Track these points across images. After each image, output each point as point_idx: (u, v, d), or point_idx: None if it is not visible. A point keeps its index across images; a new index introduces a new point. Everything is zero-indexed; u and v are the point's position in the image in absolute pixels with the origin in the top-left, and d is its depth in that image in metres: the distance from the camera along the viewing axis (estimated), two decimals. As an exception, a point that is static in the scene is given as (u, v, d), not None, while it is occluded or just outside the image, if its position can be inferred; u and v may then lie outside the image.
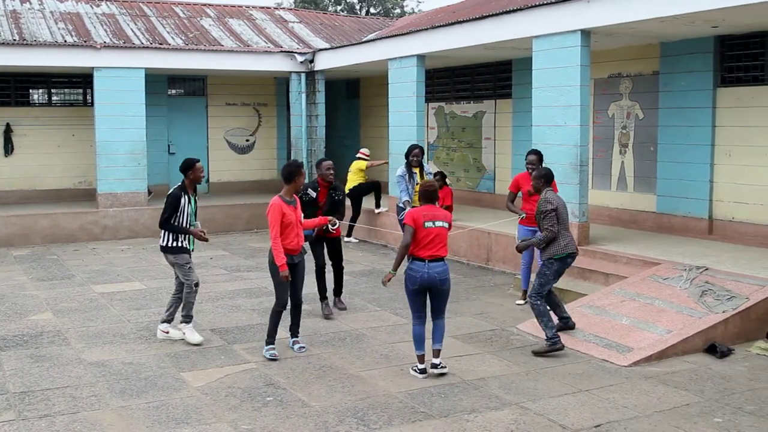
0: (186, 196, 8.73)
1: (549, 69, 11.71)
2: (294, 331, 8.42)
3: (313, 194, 9.80)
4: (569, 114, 11.40)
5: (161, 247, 8.78)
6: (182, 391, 7.11)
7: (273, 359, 7.93)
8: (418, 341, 7.52)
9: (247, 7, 21.99)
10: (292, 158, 19.14)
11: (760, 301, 8.62)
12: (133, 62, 16.60)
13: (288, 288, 8.07)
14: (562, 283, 9.95)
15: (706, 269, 9.35)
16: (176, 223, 8.66)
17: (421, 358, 7.54)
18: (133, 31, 18.13)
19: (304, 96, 18.70)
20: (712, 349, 8.16)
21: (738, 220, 11.78)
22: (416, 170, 11.33)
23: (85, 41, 16.52)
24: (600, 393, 7.06)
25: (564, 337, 8.65)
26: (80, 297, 10.93)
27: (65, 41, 16.37)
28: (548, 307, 8.48)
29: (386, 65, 15.70)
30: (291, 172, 8.13)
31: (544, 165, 11.78)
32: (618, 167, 13.75)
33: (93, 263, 13.69)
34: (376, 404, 6.77)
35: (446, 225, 7.45)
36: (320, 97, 18.62)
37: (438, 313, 7.61)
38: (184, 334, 8.66)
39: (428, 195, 7.52)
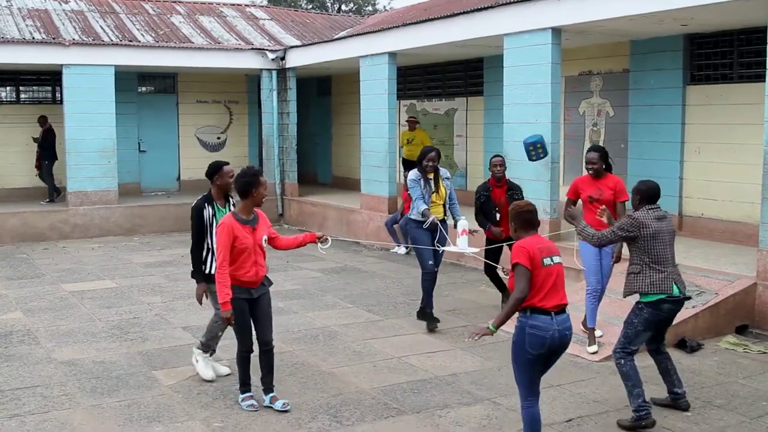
0: (211, 208, 7.18)
1: (520, 66, 11.77)
2: (267, 383, 6.62)
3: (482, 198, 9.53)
4: (540, 111, 11.47)
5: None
6: (154, 390, 7.07)
7: (252, 410, 6.47)
8: (535, 427, 5.52)
9: (218, 4, 21.88)
10: (264, 157, 19.09)
11: (729, 297, 8.72)
12: (103, 59, 16.46)
13: (248, 328, 6.46)
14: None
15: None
16: (203, 244, 7.14)
17: None
18: (102, 28, 17.99)
19: (275, 93, 18.65)
20: (682, 344, 8.24)
21: (707, 216, 11.90)
22: (431, 176, 9.24)
23: (53, 38, 16.37)
24: (571, 388, 7.11)
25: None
26: (50, 296, 10.83)
27: (33, 38, 16.23)
28: (637, 372, 6.38)
29: (358, 63, 15.69)
30: (247, 183, 6.37)
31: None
32: (589, 164, 13.81)
33: (63, 262, 13.58)
34: (349, 401, 6.77)
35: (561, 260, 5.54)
36: (292, 95, 18.58)
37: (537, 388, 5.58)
38: (197, 361, 7.37)
39: (530, 220, 5.51)
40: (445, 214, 9.25)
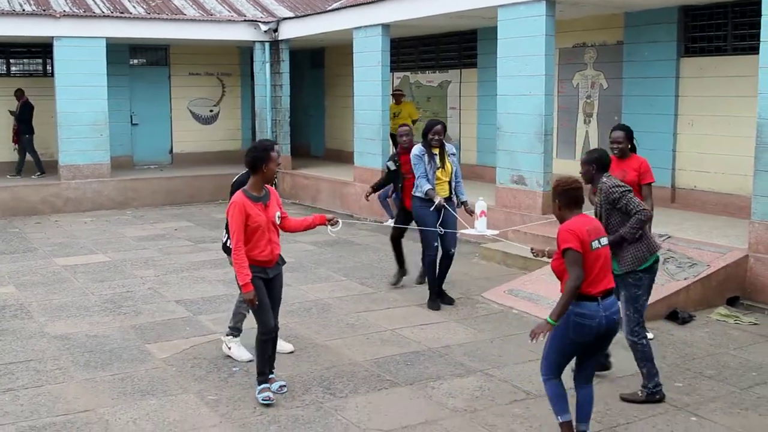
0: None
1: (514, 38, 11.71)
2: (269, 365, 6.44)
3: (392, 166, 9.33)
4: (534, 83, 11.43)
5: (222, 245, 7.20)
6: (147, 363, 7.09)
7: (267, 404, 6.11)
8: (562, 400, 5.21)
9: (210, -25, 21.69)
10: (257, 129, 19.03)
11: (721, 268, 8.75)
12: (94, 31, 16.32)
13: (268, 308, 6.18)
14: (527, 250, 9.98)
15: (669, 237, 9.44)
16: None
17: (568, 427, 5.23)
18: (93, -1, 17.85)
19: (268, 66, 18.54)
20: (673, 316, 8.27)
21: (700, 188, 11.91)
22: (436, 151, 8.79)
23: (44, 10, 16.22)
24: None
25: (527, 304, 8.73)
26: (43, 270, 10.82)
27: (23, 10, 16.07)
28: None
29: (351, 34, 15.60)
30: (256, 158, 6.08)
31: (497, 134, 11.81)
32: (582, 136, 13.82)
33: (55, 236, 13.55)
34: (342, 373, 6.80)
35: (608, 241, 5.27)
36: (285, 67, 18.48)
37: (589, 375, 5.41)
38: (229, 348, 7.23)
39: (577, 198, 5.12)
40: (450, 192, 8.88)
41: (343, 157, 19.42)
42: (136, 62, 19.78)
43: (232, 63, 20.74)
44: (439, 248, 8.87)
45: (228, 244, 6.92)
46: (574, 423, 5.23)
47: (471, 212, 8.68)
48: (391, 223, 14.05)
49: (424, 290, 9.44)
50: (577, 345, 5.07)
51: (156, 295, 9.44)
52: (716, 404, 6.13)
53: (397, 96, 16.06)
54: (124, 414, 5.96)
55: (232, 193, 6.56)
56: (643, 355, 6.12)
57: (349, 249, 12.07)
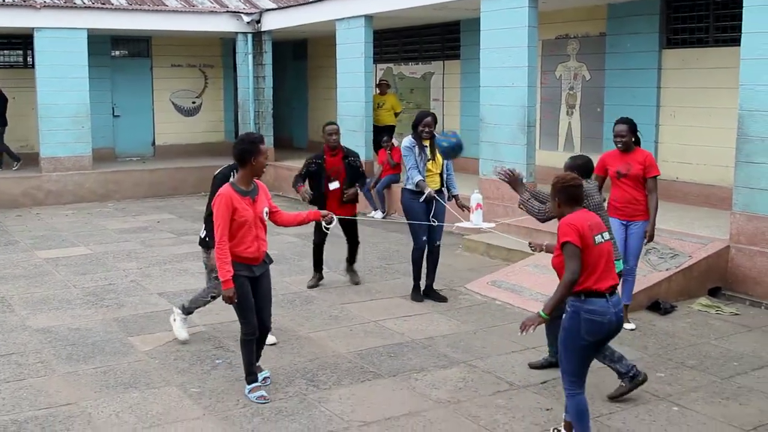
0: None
1: (497, 30, 11.72)
2: (258, 367, 6.38)
3: (312, 168, 9.04)
4: (517, 75, 11.44)
5: (199, 239, 7.27)
6: (130, 356, 7.06)
7: (262, 402, 6.00)
8: (586, 418, 5.07)
9: (192, -34, 21.60)
10: (239, 121, 18.96)
11: (702, 259, 8.80)
12: (75, 22, 16.21)
13: (251, 308, 6.04)
14: (510, 242, 10.01)
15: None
16: None
17: None
18: (74, -10, 17.72)
19: (251, 57, 18.49)
20: (655, 306, 8.32)
21: (682, 179, 11.96)
22: (427, 143, 8.58)
23: (24, 0, 16.09)
24: (546, 350, 7.15)
25: (510, 296, 8.75)
26: (24, 263, 10.75)
27: (3, 0, 15.94)
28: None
29: (334, 26, 15.57)
30: (244, 150, 5.90)
31: (480, 125, 11.81)
32: (565, 128, 13.85)
33: (37, 229, 13.47)
34: (326, 365, 6.80)
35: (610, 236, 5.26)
36: (267, 59, 18.42)
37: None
38: (174, 320, 7.38)
39: (577, 195, 5.06)
40: (441, 185, 8.70)
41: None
42: (118, 54, 19.67)
43: (215, 54, 20.67)
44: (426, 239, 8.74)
45: (205, 238, 7.04)
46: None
47: (463, 207, 8.57)
48: (374, 215, 14.08)
49: (407, 282, 9.45)
50: (590, 345, 4.95)
51: (138, 288, 9.41)
52: (698, 394, 6.17)
53: (383, 86, 16.03)
54: (107, 407, 5.94)
55: (213, 186, 6.65)
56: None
57: (333, 241, 12.05)
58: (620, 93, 12.67)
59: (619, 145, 7.51)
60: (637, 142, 7.53)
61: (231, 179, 6.31)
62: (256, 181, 6.08)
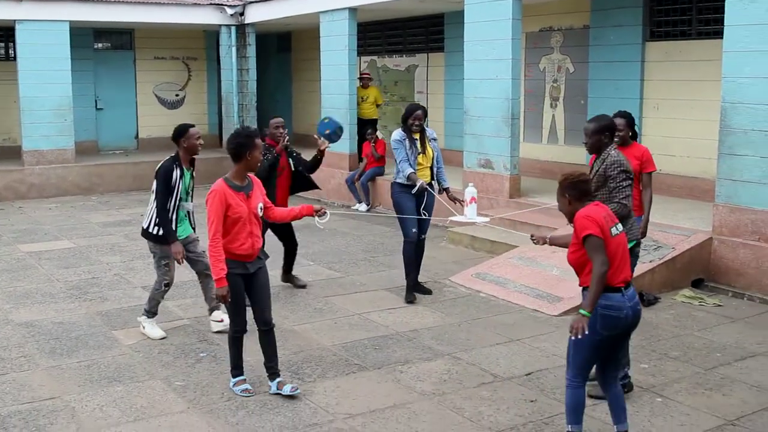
0: (179, 170, 7.14)
1: (481, 22, 11.73)
2: (271, 367, 6.07)
3: (266, 163, 8.20)
4: (501, 67, 11.46)
5: (143, 230, 7.30)
6: (114, 350, 7.04)
7: (247, 395, 5.95)
8: (580, 411, 4.99)
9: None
10: (223, 114, 18.89)
11: (686, 251, 8.85)
12: (57, 14, 16.08)
13: (243, 306, 5.93)
14: (494, 234, 10.04)
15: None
16: (168, 203, 7.08)
17: None
18: (56, -18, 17.59)
19: (234, 50, 18.42)
20: (639, 298, 8.33)
21: (665, 172, 11.98)
22: (417, 136, 8.45)
23: (5, -7, 15.98)
24: (531, 342, 7.19)
25: (494, 288, 8.77)
26: (7, 257, 10.69)
27: (-16, -7, 15.83)
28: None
29: (318, 18, 15.53)
30: (240, 144, 5.76)
31: (464, 118, 11.84)
32: (549, 120, 13.88)
33: (19, 222, 13.39)
34: (310, 357, 6.80)
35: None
36: (251, 51, 18.37)
37: (615, 375, 5.15)
38: (143, 327, 7.40)
39: (588, 191, 4.93)
40: (432, 178, 8.54)
41: (310, 142, 19.29)
42: (101, 46, 19.54)
43: (198, 47, 20.57)
44: (416, 232, 8.53)
45: (149, 229, 7.12)
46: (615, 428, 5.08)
47: (455, 200, 8.44)
48: (359, 207, 14.08)
49: (391, 275, 9.48)
50: (605, 340, 4.83)
51: (122, 281, 9.38)
52: (681, 385, 6.20)
53: (365, 79, 15.99)
54: (91, 401, 5.92)
55: (158, 177, 7.05)
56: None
57: (316, 234, 12.04)
58: (604, 85, 12.71)
59: (616, 140, 7.10)
60: (634, 137, 7.37)
61: (174, 168, 6.97)
62: (250, 176, 5.95)
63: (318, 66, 15.93)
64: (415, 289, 8.64)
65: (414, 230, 8.45)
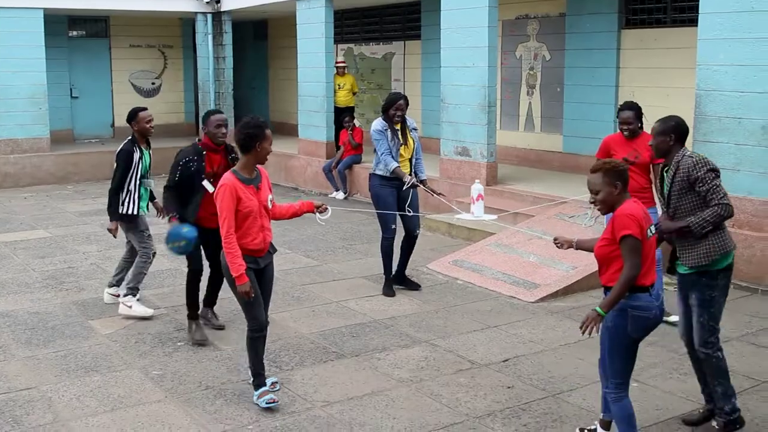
0: (138, 151, 7.42)
1: (457, 10, 11.73)
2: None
3: (190, 168, 6.73)
4: (477, 55, 11.47)
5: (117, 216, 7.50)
6: (91, 339, 7.01)
7: (271, 406, 5.56)
8: (631, 421, 4.70)
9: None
10: (200, 102, 18.78)
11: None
12: (31, 2, 15.92)
13: (260, 302, 5.64)
14: (471, 221, 10.03)
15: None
16: (125, 184, 7.33)
17: None
18: (29, -31, 17.40)
19: (210, 38, 18.32)
20: (615, 284, 8.40)
21: (641, 158, 12.07)
22: (398, 126, 8.15)
23: (-23, -20, 15.81)
24: (508, 329, 7.23)
25: (472, 275, 8.80)
26: (-19, 246, 10.62)
27: (-44, -20, 15.64)
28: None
29: (294, 6, 15.47)
30: (249, 135, 5.47)
31: (441, 106, 11.84)
32: (525, 108, 13.92)
33: (-6, 211, 13.30)
34: (288, 346, 6.81)
35: None
36: (227, 39, 18.28)
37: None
38: (130, 307, 7.51)
39: (628, 180, 4.66)
40: (410, 171, 8.27)
41: (287, 130, 19.29)
42: (75, 34, 19.38)
43: (174, 35, 20.45)
44: (397, 230, 8.39)
45: (123, 212, 7.46)
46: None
47: (433, 192, 8.34)
48: (336, 195, 14.07)
49: (369, 262, 9.49)
50: (634, 342, 4.61)
51: (99, 271, 9.33)
52: (657, 370, 6.27)
53: (341, 68, 15.93)
54: (68, 391, 5.90)
55: (118, 159, 7.36)
56: (718, 371, 5.14)
57: (294, 222, 12.00)
58: (580, 73, 12.76)
59: (626, 133, 7.15)
60: (641, 126, 7.20)
61: (134, 150, 7.27)
62: (259, 168, 5.67)
63: (295, 54, 15.87)
64: (403, 283, 8.48)
65: (393, 227, 8.26)
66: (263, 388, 5.67)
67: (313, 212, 6.12)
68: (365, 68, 17.61)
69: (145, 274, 7.71)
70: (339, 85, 15.46)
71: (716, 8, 8.57)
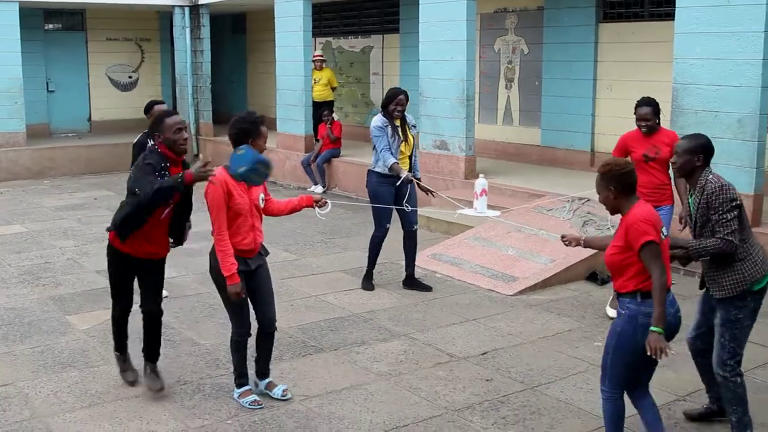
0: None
1: (436, 3, 11.73)
2: (263, 367, 5.76)
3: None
4: (456, 48, 11.48)
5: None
6: (68, 335, 6.97)
7: (255, 407, 5.51)
8: (620, 423, 4.61)
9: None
10: (177, 96, 18.68)
11: (639, 230, 8.94)
12: (5, -5, 15.80)
13: (246, 306, 5.49)
14: (447, 214, 10.03)
15: (588, 200, 9.61)
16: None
17: None
18: (3, -38, 17.23)
19: (188, 31, 18.21)
20: (593, 277, 8.46)
21: (618, 152, 12.12)
22: (398, 123, 7.99)
23: (-49, -28, 15.63)
24: (486, 322, 7.25)
25: (450, 268, 8.82)
26: (-43, 241, 10.53)
27: (-70, -28, 15.46)
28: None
29: (272, -1, 15.43)
30: (242, 131, 5.36)
31: (420, 99, 11.83)
32: (504, 101, 13.95)
33: (-31, 206, 13.18)
34: (267, 340, 6.78)
35: None
36: (205, 32, 18.17)
37: (647, 384, 4.73)
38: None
39: (633, 183, 4.50)
40: (409, 168, 8.12)
41: (266, 124, 19.15)
42: (52, 27, 19.21)
43: (151, 28, 20.32)
44: (391, 228, 8.24)
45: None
46: None
47: (426, 190, 8.23)
48: (314, 189, 14.04)
49: (347, 257, 9.50)
50: (641, 352, 4.36)
51: (76, 266, 9.27)
52: (633, 362, 6.30)
53: (319, 62, 15.84)
54: (45, 387, 5.86)
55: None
56: (735, 396, 4.84)
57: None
58: (558, 66, 12.80)
59: (644, 129, 7.10)
60: (658, 122, 7.16)
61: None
62: None
63: (273, 47, 15.81)
64: (413, 286, 8.28)
65: (387, 225, 8.13)
66: (246, 387, 5.62)
67: (312, 207, 5.89)
68: (344, 62, 17.58)
69: None
70: (315, 80, 15.39)
71: (693, 2, 8.62)
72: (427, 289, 8.27)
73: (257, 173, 5.25)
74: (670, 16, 9.70)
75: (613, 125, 12.16)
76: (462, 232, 9.85)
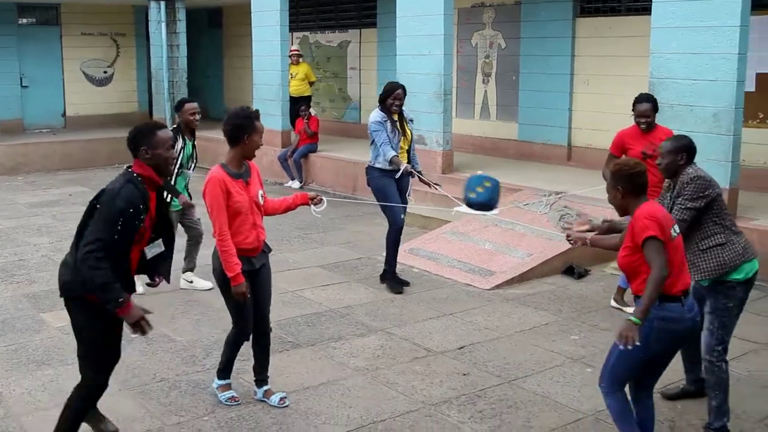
0: (182, 140, 7.57)
1: (413, -2, 11.71)
2: (261, 374, 5.59)
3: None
4: (433, 43, 11.46)
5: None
6: (42, 333, 6.90)
7: (232, 404, 5.46)
8: (629, 417, 4.52)
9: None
10: (153, 91, 18.55)
11: (615, 224, 8.98)
12: (-22, -11, 15.66)
13: (249, 306, 5.30)
14: (427, 209, 10.03)
15: (565, 194, 9.64)
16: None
17: None
18: (-24, -45, 17.09)
19: (164, 25, 18.08)
20: (570, 271, 8.48)
21: (595, 146, 12.16)
22: (395, 117, 7.92)
23: None
24: (463, 316, 7.25)
25: (427, 263, 8.81)
26: (-71, 238, 10.41)
27: None
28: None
29: (249, -7, 15.34)
30: (237, 126, 5.14)
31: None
32: (481, 96, 13.96)
33: (-58, 203, 13.04)
34: (244, 336, 6.75)
35: None
36: (181, 27, 18.05)
37: (652, 388, 4.69)
38: (191, 282, 8.06)
39: (643, 184, 4.41)
40: (408, 162, 8.06)
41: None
42: (25, 21, 19.02)
43: (127, 22, 20.18)
44: (404, 218, 8.16)
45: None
46: None
47: (428, 183, 8.17)
48: (291, 184, 13.99)
49: (324, 252, 9.48)
50: (653, 354, 4.35)
51: (50, 263, 9.18)
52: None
53: (295, 56, 15.75)
54: (19, 385, 5.81)
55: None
56: (718, 382, 4.97)
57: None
58: (535, 61, 12.82)
59: (643, 126, 7.09)
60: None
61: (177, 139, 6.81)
62: (248, 162, 5.33)
63: (250, 42, 15.73)
64: (392, 281, 8.15)
65: (403, 216, 8.04)
66: (227, 381, 5.55)
67: (307, 204, 5.76)
68: (321, 57, 17.52)
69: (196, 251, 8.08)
70: (292, 75, 15.32)
71: (668, -4, 8.65)
72: (405, 284, 8.15)
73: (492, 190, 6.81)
74: (646, 10, 9.73)
75: (590, 120, 12.23)
76: (439, 227, 9.85)
